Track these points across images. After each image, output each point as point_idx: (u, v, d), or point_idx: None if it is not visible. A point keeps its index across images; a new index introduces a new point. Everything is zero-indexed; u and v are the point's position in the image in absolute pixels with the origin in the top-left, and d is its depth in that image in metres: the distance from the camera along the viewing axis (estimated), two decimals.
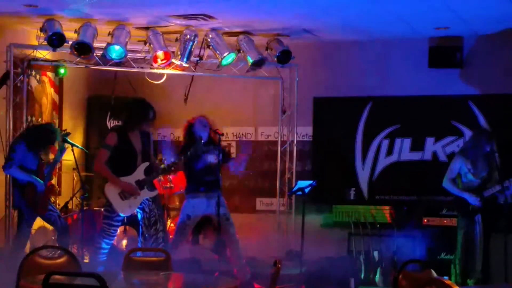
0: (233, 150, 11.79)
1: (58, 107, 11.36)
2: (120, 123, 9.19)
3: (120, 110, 9.68)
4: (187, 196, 9.11)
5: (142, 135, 8.66)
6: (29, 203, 8.73)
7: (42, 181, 8.73)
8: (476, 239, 9.08)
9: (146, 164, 8.61)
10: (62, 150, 9.06)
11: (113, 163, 8.49)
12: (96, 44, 9.89)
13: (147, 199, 8.60)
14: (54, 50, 9.83)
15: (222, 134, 9.13)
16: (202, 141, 8.82)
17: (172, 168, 8.86)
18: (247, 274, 9.11)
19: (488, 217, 9.11)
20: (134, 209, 8.54)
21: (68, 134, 9.27)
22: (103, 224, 8.63)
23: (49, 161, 9.55)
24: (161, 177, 10.30)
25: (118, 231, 9.15)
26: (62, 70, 10.94)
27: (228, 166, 9.33)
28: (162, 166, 8.96)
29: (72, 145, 9.13)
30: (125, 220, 9.20)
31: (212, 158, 8.97)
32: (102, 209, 9.02)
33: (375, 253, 10.36)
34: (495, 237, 9.21)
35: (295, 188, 10.06)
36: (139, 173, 8.54)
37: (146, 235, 8.55)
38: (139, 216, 8.62)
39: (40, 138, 8.90)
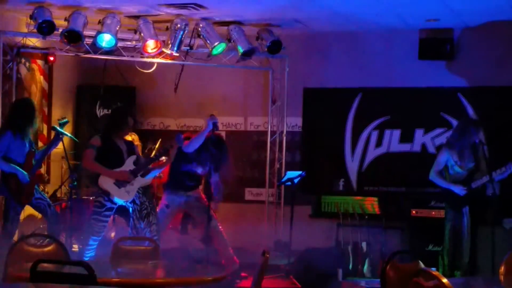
0: None
1: (47, 95, 11.32)
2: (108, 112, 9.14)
3: (110, 100, 9.62)
4: (165, 190, 9.23)
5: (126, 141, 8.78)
6: (12, 192, 8.68)
7: (26, 173, 8.65)
8: (464, 231, 9.12)
9: (134, 157, 8.64)
10: (54, 143, 8.99)
11: (101, 160, 8.50)
12: (86, 32, 9.86)
13: (137, 192, 8.61)
14: (44, 38, 9.80)
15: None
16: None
17: (162, 157, 8.90)
18: (235, 263, 9.12)
19: (475, 209, 9.15)
20: (132, 195, 8.52)
21: (66, 122, 9.22)
22: (91, 220, 8.60)
23: (38, 149, 9.50)
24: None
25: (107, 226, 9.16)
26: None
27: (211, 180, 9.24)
28: (152, 155, 8.96)
29: (62, 133, 9.08)
30: (113, 217, 9.18)
31: (199, 170, 9.07)
32: (91, 198, 9.01)
33: (363, 244, 10.39)
34: (482, 229, 9.26)
35: (284, 179, 10.08)
36: (128, 165, 8.56)
37: (138, 227, 8.56)
38: (130, 209, 8.61)
39: (20, 111, 8.81)
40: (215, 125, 8.92)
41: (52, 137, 9.23)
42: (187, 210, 9.33)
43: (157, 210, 9.12)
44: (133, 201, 8.59)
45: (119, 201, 8.52)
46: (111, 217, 9.20)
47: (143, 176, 8.63)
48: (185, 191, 9.11)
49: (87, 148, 8.61)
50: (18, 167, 8.61)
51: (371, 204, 10.82)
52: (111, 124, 8.77)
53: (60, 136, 9.00)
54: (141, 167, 8.63)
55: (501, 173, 8.95)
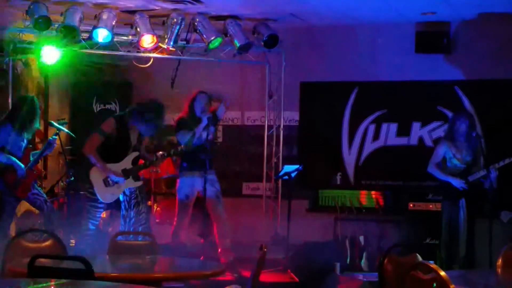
0: (219, 134, 11.78)
1: (44, 91, 11.31)
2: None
3: (106, 95, 9.49)
4: (181, 174, 9.14)
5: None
6: (8, 186, 8.67)
7: (23, 165, 8.65)
8: (460, 224, 9.11)
9: (136, 154, 8.58)
10: (51, 144, 8.97)
11: (105, 149, 8.43)
12: (82, 27, 9.84)
13: None
14: (40, 33, 9.77)
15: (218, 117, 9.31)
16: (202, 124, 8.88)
17: (159, 162, 8.85)
18: (230, 255, 9.11)
19: (472, 202, 9.14)
20: (115, 197, 8.50)
21: (65, 123, 9.22)
22: (88, 206, 8.60)
23: (36, 146, 9.50)
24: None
25: (104, 214, 9.12)
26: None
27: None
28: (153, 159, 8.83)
29: (59, 129, 9.08)
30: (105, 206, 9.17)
31: (205, 134, 8.95)
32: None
33: (361, 238, 10.39)
34: (479, 222, 9.25)
35: (282, 173, 10.08)
36: (127, 162, 8.50)
37: (127, 217, 8.53)
38: (121, 199, 8.59)
39: (24, 107, 8.80)
40: (209, 120, 8.90)
41: (48, 135, 9.21)
42: (202, 195, 9.07)
43: (176, 205, 9.12)
44: (123, 192, 8.56)
45: (100, 199, 8.47)
46: (109, 211, 9.21)
47: (135, 179, 8.55)
48: (202, 169, 8.93)
49: (95, 131, 8.49)
50: (15, 159, 8.60)
51: (369, 198, 10.82)
52: (149, 119, 8.53)
53: (57, 132, 8.99)
54: (136, 169, 8.56)
55: (499, 167, 8.93)
